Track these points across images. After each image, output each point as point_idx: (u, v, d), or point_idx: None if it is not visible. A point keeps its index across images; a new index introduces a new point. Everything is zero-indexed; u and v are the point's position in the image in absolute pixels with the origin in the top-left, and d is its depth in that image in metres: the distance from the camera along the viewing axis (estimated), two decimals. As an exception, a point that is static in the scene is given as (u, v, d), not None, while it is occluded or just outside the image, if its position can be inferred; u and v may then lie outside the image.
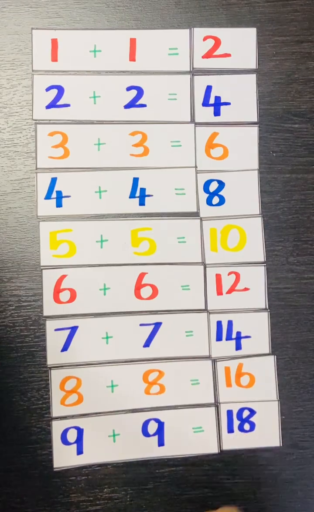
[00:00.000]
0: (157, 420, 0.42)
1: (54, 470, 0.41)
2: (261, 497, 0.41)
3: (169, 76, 0.43)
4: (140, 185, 0.43)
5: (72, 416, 0.41)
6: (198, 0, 0.43)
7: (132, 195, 0.43)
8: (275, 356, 0.43)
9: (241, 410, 0.42)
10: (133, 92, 0.43)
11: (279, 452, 0.42)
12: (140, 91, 0.43)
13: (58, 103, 0.42)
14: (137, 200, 0.43)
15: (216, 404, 0.42)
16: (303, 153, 0.44)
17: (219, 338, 0.43)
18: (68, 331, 0.42)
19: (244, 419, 0.42)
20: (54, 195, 0.42)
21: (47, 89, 0.42)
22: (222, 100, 0.43)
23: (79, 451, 0.41)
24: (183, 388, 0.42)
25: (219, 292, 0.43)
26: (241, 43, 0.43)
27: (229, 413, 0.42)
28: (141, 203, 0.43)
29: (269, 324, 0.43)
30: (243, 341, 0.43)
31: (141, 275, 0.42)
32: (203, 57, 0.43)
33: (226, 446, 0.42)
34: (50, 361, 0.41)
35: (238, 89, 0.43)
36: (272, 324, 0.43)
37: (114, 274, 0.42)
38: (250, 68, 0.44)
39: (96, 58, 0.43)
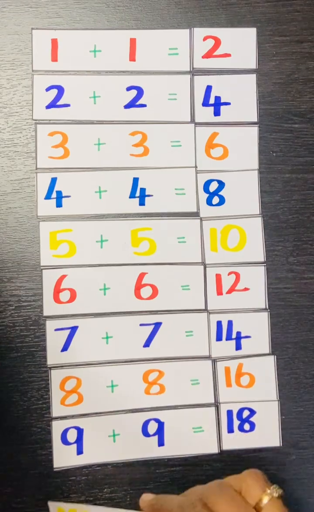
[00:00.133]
0: (157, 420, 0.42)
1: (54, 470, 0.41)
2: (261, 497, 0.41)
3: (169, 76, 0.43)
4: (140, 185, 0.43)
5: (72, 416, 0.41)
6: (198, 0, 0.43)
7: (132, 195, 0.43)
8: (275, 356, 0.43)
9: (241, 410, 0.42)
10: (133, 92, 0.43)
11: (279, 452, 0.42)
12: (140, 91, 0.43)
13: (58, 103, 0.42)
14: (137, 200, 0.43)
15: (216, 404, 0.42)
16: (303, 153, 0.44)
17: (219, 338, 0.43)
18: (68, 331, 0.42)
19: (244, 419, 0.42)
20: (54, 195, 0.42)
21: (47, 89, 0.42)
22: (222, 100, 0.43)
23: (79, 451, 0.41)
24: (183, 388, 0.42)
25: (219, 292, 0.43)
26: (241, 43, 0.43)
27: (229, 413, 0.42)
28: (141, 203, 0.43)
29: (269, 324, 0.43)
30: (243, 341, 0.43)
31: (141, 275, 0.42)
32: (203, 57, 0.43)
33: (226, 446, 0.42)
34: (50, 361, 0.41)
35: (238, 89, 0.43)
36: (272, 324, 0.43)
37: (114, 274, 0.42)
38: (250, 68, 0.44)
39: (96, 58, 0.43)
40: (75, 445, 0.41)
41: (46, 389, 0.41)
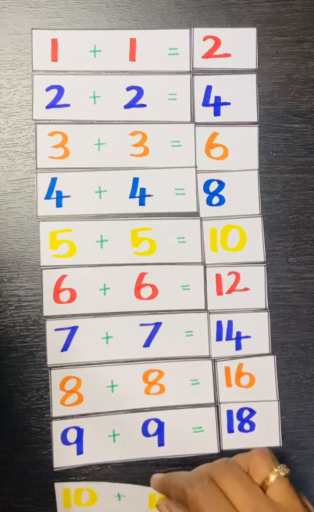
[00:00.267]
0: (157, 420, 0.42)
1: (54, 470, 0.41)
2: (261, 497, 0.41)
3: (169, 76, 0.43)
4: (140, 185, 0.43)
5: (72, 416, 0.41)
6: (198, 0, 0.43)
7: (132, 195, 0.43)
8: (275, 356, 0.43)
9: (241, 410, 0.42)
10: (133, 92, 0.43)
11: (279, 452, 0.42)
12: (140, 91, 0.43)
13: (58, 103, 0.42)
14: (137, 200, 0.43)
15: (216, 404, 0.42)
16: (303, 153, 0.44)
17: (219, 338, 0.43)
18: (68, 331, 0.42)
19: (244, 419, 0.42)
20: (54, 195, 0.42)
21: (47, 89, 0.42)
22: (222, 100, 0.43)
23: (79, 451, 0.41)
24: (183, 388, 0.42)
25: (219, 292, 0.43)
26: (241, 43, 0.43)
27: (229, 413, 0.42)
28: (141, 203, 0.43)
29: (269, 324, 0.43)
30: (243, 341, 0.43)
31: (141, 275, 0.42)
32: (203, 57, 0.43)
33: (226, 446, 0.42)
34: (50, 361, 0.41)
35: (238, 89, 0.43)
36: (272, 324, 0.43)
37: (114, 274, 0.42)
38: (250, 68, 0.44)
39: (96, 58, 0.43)
40: (75, 445, 0.41)
41: (46, 389, 0.41)
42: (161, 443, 0.42)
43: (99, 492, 0.40)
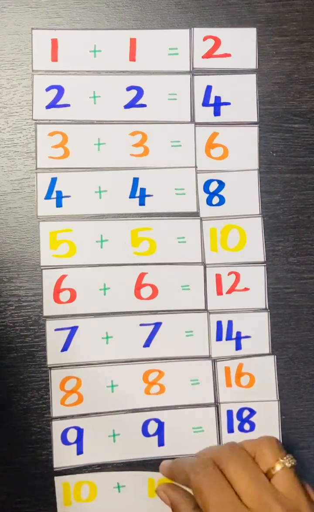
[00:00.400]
0: (157, 420, 0.42)
1: (54, 470, 0.41)
2: (261, 497, 0.41)
3: (169, 76, 0.43)
4: (140, 185, 0.43)
5: (72, 416, 0.41)
6: (198, 0, 0.43)
7: (132, 195, 0.43)
8: (275, 356, 0.43)
9: (241, 410, 0.42)
10: (133, 92, 0.43)
11: (279, 452, 0.42)
12: (140, 91, 0.43)
13: (58, 103, 0.42)
14: (137, 200, 0.43)
15: (216, 404, 0.42)
16: (303, 153, 0.44)
17: (219, 338, 0.43)
18: (68, 331, 0.42)
19: (244, 419, 0.42)
20: (54, 195, 0.42)
21: (47, 89, 0.42)
22: (222, 100, 0.43)
23: (79, 451, 0.41)
24: (183, 388, 0.42)
25: (219, 292, 0.43)
26: (241, 43, 0.43)
27: (229, 413, 0.42)
28: (141, 203, 0.43)
29: (269, 324, 0.43)
30: (243, 341, 0.43)
31: (141, 275, 0.42)
32: (203, 57, 0.43)
33: (226, 446, 0.42)
34: (50, 361, 0.41)
35: (238, 89, 0.43)
36: (272, 324, 0.43)
37: (114, 274, 0.42)
38: (250, 68, 0.44)
39: (96, 58, 0.43)
40: (75, 445, 0.41)
41: (46, 389, 0.41)
42: (160, 443, 0.42)
43: (99, 483, 0.40)
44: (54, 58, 0.43)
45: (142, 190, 0.43)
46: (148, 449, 0.41)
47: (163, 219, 0.43)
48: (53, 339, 0.41)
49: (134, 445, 0.41)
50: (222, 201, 0.43)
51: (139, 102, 0.43)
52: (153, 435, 0.42)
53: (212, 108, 0.43)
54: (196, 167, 0.43)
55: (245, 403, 0.42)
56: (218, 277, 0.43)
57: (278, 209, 0.43)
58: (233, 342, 0.43)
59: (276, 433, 0.42)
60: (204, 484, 0.31)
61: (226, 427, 0.42)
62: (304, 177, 0.44)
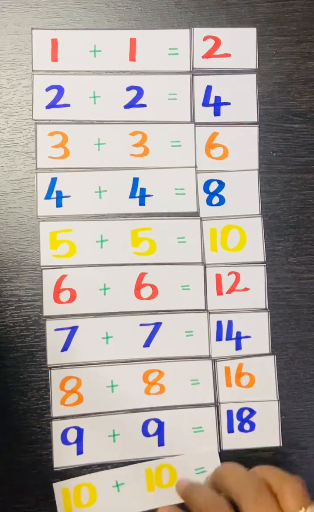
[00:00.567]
0: (157, 420, 0.42)
1: (54, 470, 0.41)
2: (261, 497, 0.41)
3: (169, 76, 0.43)
4: (140, 185, 0.43)
5: (72, 416, 0.41)
6: (198, 0, 0.43)
7: (132, 195, 0.43)
8: (275, 356, 0.43)
9: (241, 410, 0.42)
10: (133, 92, 0.43)
11: (279, 452, 0.42)
12: (140, 91, 0.43)
13: (58, 103, 0.42)
14: (137, 200, 0.43)
15: (216, 404, 0.42)
16: (303, 153, 0.44)
17: (219, 338, 0.43)
18: (68, 331, 0.42)
19: (244, 419, 0.42)
20: (54, 195, 0.42)
21: (47, 89, 0.42)
22: (222, 100, 0.43)
23: (79, 451, 0.41)
24: (183, 388, 0.42)
25: (219, 292, 0.43)
26: (241, 43, 0.43)
27: (229, 413, 0.42)
28: (141, 203, 0.43)
29: (269, 324, 0.43)
30: (243, 341, 0.43)
31: (141, 275, 0.42)
32: (203, 57, 0.43)
33: (226, 446, 0.42)
34: (50, 361, 0.41)
35: (238, 89, 0.43)
36: (272, 324, 0.43)
37: (114, 274, 0.42)
38: (250, 68, 0.44)
39: (96, 58, 0.43)
40: (75, 445, 0.41)
41: (46, 389, 0.41)
42: (161, 443, 0.42)
43: (98, 485, 0.40)
44: (54, 58, 0.43)
45: (142, 190, 0.43)
46: (148, 449, 0.41)
47: (163, 219, 0.43)
48: (53, 339, 0.41)
49: (134, 445, 0.41)
50: (222, 201, 0.43)
51: (139, 102, 0.43)
52: (153, 435, 0.42)
53: (212, 108, 0.43)
54: (196, 167, 0.43)
55: (245, 403, 0.42)
56: (218, 277, 0.43)
57: (278, 209, 0.43)
58: (233, 342, 0.43)
59: (276, 433, 0.42)
60: None
61: (226, 427, 0.42)
62: (304, 177, 0.44)
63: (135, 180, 0.43)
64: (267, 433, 0.42)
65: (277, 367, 0.43)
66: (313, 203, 0.44)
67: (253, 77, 0.44)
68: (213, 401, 0.42)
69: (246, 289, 0.43)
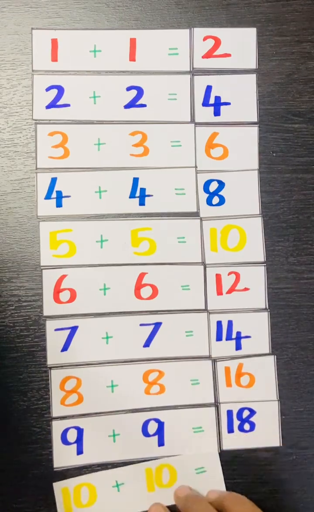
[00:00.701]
0: (157, 420, 0.42)
1: (54, 470, 0.41)
2: (261, 497, 0.41)
3: (169, 76, 0.43)
4: (140, 185, 0.43)
5: (72, 416, 0.41)
6: (198, 0, 0.43)
7: (132, 195, 0.43)
8: (275, 356, 0.43)
9: (241, 410, 0.42)
10: (133, 92, 0.43)
11: (279, 452, 0.42)
12: (140, 91, 0.43)
13: (58, 103, 0.42)
14: (137, 200, 0.43)
15: (216, 404, 0.42)
16: (303, 153, 0.44)
17: (219, 338, 0.43)
18: (68, 331, 0.42)
19: (244, 419, 0.42)
20: (54, 195, 0.42)
21: (47, 89, 0.42)
22: (222, 100, 0.43)
23: (79, 451, 0.41)
24: (183, 388, 0.42)
25: (219, 292, 0.43)
26: (241, 43, 0.43)
27: (229, 413, 0.42)
28: (141, 203, 0.43)
29: (269, 324, 0.43)
30: (243, 341, 0.43)
31: (141, 275, 0.42)
32: (203, 57, 0.43)
33: (226, 446, 0.42)
34: (50, 361, 0.41)
35: (238, 89, 0.43)
36: (272, 324, 0.43)
37: (114, 274, 0.42)
38: (250, 68, 0.44)
39: (96, 58, 0.43)
40: (75, 445, 0.41)
41: (46, 389, 0.41)
42: (161, 443, 0.42)
43: (98, 484, 0.40)
44: (54, 58, 0.43)
45: (142, 190, 0.43)
46: (148, 449, 0.41)
47: (163, 219, 0.43)
48: (53, 339, 0.41)
49: (134, 445, 0.41)
50: (222, 201, 0.43)
51: (139, 102, 0.43)
52: (153, 435, 0.42)
53: (212, 108, 0.43)
54: (196, 167, 0.43)
55: (245, 403, 0.42)
56: (218, 277, 0.43)
57: (278, 209, 0.43)
58: (233, 342, 0.43)
59: (276, 433, 0.42)
60: None
61: (226, 427, 0.42)
62: (304, 177, 0.44)
63: (135, 180, 0.43)
64: (267, 433, 0.42)
65: (277, 367, 0.43)
66: (313, 203, 0.44)
67: (253, 77, 0.44)
68: (213, 401, 0.42)
69: (246, 289, 0.43)
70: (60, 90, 0.42)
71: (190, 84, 0.43)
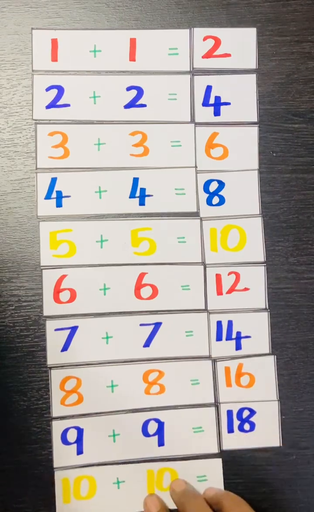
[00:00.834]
0: (157, 420, 0.42)
1: (54, 470, 0.41)
2: (261, 497, 0.41)
3: (169, 76, 0.43)
4: (140, 185, 0.43)
5: (72, 416, 0.41)
6: (198, 0, 0.43)
7: (132, 195, 0.43)
8: (275, 356, 0.43)
9: (241, 410, 0.42)
10: (133, 92, 0.43)
11: (279, 452, 0.42)
12: (140, 91, 0.43)
13: (58, 103, 0.42)
14: (137, 200, 0.43)
15: (216, 404, 0.42)
16: (303, 153, 0.44)
17: (219, 338, 0.43)
18: (68, 331, 0.42)
19: (244, 419, 0.42)
20: (54, 195, 0.42)
21: (47, 89, 0.42)
22: (222, 100, 0.43)
23: (79, 451, 0.41)
24: (183, 388, 0.42)
25: (219, 292, 0.43)
26: (241, 43, 0.43)
27: (229, 413, 0.42)
28: (141, 203, 0.43)
29: (269, 324, 0.43)
30: (243, 341, 0.43)
31: (141, 275, 0.42)
32: (203, 57, 0.43)
33: (226, 446, 0.42)
34: (50, 361, 0.41)
35: (238, 89, 0.43)
36: (272, 324, 0.43)
37: (114, 274, 0.42)
38: (250, 68, 0.44)
39: (96, 58, 0.43)
40: (75, 445, 0.41)
41: (46, 389, 0.41)
42: (161, 443, 0.42)
43: (99, 478, 0.40)
44: (54, 58, 0.43)
45: (142, 190, 0.43)
46: (148, 449, 0.41)
47: (163, 219, 0.43)
48: (53, 339, 0.41)
49: (134, 445, 0.41)
50: (222, 201, 0.43)
51: (139, 102, 0.43)
52: (153, 435, 0.42)
53: (212, 108, 0.43)
54: (196, 167, 0.43)
55: (245, 403, 0.42)
56: (218, 277, 0.43)
57: (278, 209, 0.43)
58: (233, 342, 0.43)
59: (276, 433, 0.42)
60: None
61: (226, 427, 0.42)
62: (304, 177, 0.44)
63: (135, 180, 0.43)
64: (267, 433, 0.42)
65: (277, 367, 0.43)
66: (313, 203, 0.44)
67: (253, 77, 0.44)
68: (213, 401, 0.42)
69: (246, 289, 0.43)
70: (60, 90, 0.42)
71: (190, 84, 0.43)
